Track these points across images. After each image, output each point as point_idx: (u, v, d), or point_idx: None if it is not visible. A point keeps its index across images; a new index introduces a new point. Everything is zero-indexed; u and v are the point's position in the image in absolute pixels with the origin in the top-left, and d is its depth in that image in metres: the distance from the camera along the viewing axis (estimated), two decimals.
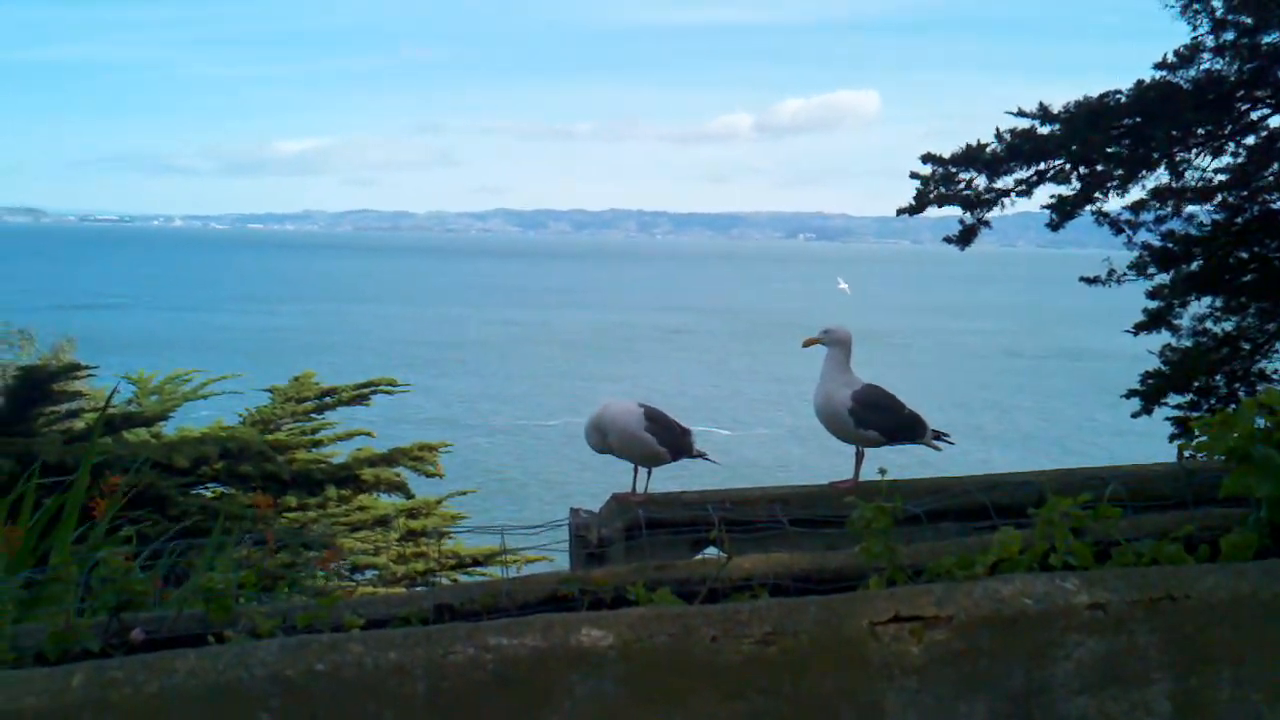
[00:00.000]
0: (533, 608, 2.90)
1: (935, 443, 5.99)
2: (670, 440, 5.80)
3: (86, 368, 22.34)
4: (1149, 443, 17.04)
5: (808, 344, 6.01)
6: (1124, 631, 2.65)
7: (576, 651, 2.49)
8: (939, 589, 2.65)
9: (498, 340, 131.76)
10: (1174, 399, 15.80)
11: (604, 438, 5.79)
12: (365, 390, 24.00)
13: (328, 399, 23.91)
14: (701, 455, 6.06)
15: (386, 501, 22.05)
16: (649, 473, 5.82)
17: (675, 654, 2.52)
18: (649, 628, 2.54)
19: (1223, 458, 2.99)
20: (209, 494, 20.57)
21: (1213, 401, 15.68)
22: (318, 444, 22.71)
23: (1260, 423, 2.97)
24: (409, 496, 21.34)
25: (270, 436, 21.85)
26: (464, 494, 24.10)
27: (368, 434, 23.63)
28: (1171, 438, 16.03)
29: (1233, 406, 11.40)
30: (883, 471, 3.49)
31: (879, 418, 5.71)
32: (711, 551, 4.96)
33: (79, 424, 20.97)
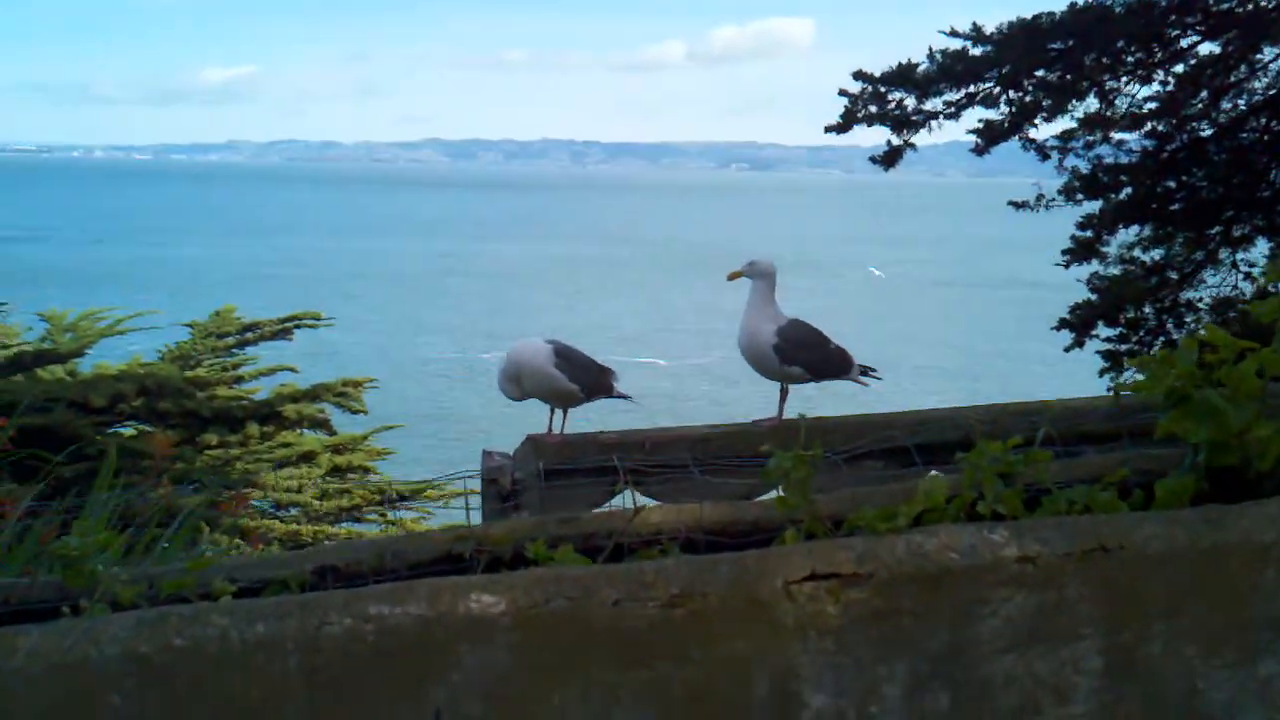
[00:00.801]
0: (424, 568, 2.68)
1: (862, 378, 5.82)
2: (585, 379, 5.56)
3: None
4: (1082, 369, 17.11)
5: (732, 277, 5.79)
6: (1054, 586, 2.48)
7: (466, 619, 2.28)
8: (859, 544, 2.46)
9: (428, 273, 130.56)
10: (1105, 332, 15.84)
11: (517, 382, 5.55)
12: (288, 325, 23.54)
13: (249, 334, 23.43)
14: (623, 396, 5.81)
15: (311, 437, 21.72)
16: (564, 413, 5.58)
17: (574, 620, 2.32)
18: (546, 591, 2.33)
19: (1161, 397, 2.82)
20: (127, 432, 20.15)
21: (1142, 334, 15.75)
22: (239, 380, 22.27)
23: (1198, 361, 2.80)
24: (332, 433, 21.02)
25: (190, 373, 21.38)
26: (389, 429, 23.78)
27: (291, 369, 23.23)
28: (1102, 371, 16.14)
29: (1161, 339, 11.43)
30: (801, 416, 3.27)
31: (804, 354, 5.52)
32: (630, 496, 4.77)
33: None
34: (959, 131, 15.40)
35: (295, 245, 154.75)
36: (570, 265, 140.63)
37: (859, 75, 15.08)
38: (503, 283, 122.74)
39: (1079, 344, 15.91)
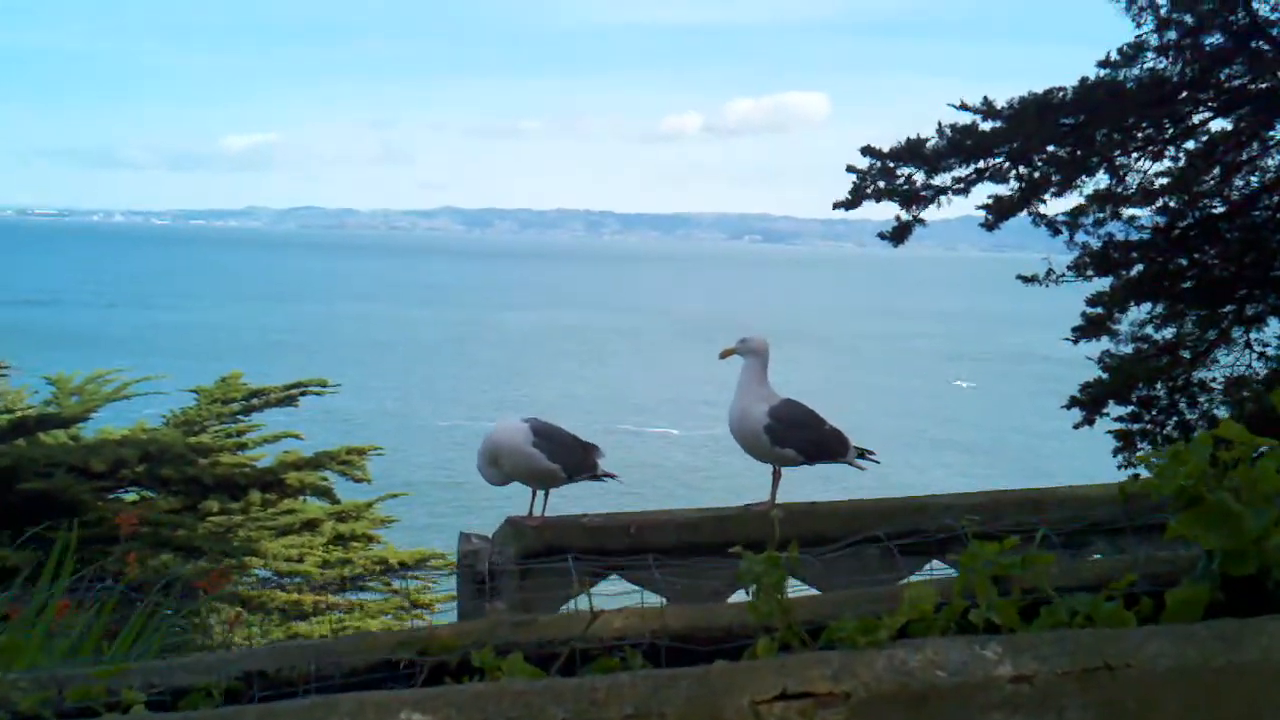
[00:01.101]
0: (362, 676, 2.44)
1: (859, 461, 5.56)
2: (567, 458, 5.30)
3: None
4: (1096, 444, 16.79)
5: (725, 355, 5.59)
6: (1052, 708, 2.23)
7: None
8: (836, 659, 2.22)
9: (442, 340, 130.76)
10: (1116, 410, 15.55)
11: (496, 464, 5.31)
12: (293, 391, 23.37)
13: (255, 400, 23.26)
14: (608, 475, 5.56)
15: (314, 505, 21.48)
16: (546, 494, 5.34)
17: None
18: (485, 710, 2.09)
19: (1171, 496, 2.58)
20: (129, 498, 19.93)
21: (1154, 413, 15.46)
22: (243, 446, 22.04)
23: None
24: (335, 502, 20.76)
25: (194, 439, 21.17)
26: (394, 496, 23.52)
27: (296, 436, 23.01)
28: (1115, 451, 15.82)
29: (1174, 419, 11.11)
30: (776, 509, 3.03)
31: (797, 435, 5.29)
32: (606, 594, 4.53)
33: None
34: (970, 206, 15.26)
35: (310, 312, 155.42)
36: (584, 334, 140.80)
37: (867, 150, 14.96)
38: (517, 351, 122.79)
39: (1089, 422, 15.63)
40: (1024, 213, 14.87)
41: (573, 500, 5.80)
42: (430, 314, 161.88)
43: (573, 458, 5.34)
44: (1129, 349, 15.19)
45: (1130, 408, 15.59)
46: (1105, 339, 15.29)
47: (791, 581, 3.12)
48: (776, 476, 5.39)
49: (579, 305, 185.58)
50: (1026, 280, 15.31)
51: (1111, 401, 15.31)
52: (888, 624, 2.31)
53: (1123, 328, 15.27)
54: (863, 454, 5.54)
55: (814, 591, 4.92)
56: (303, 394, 23.42)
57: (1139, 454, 14.61)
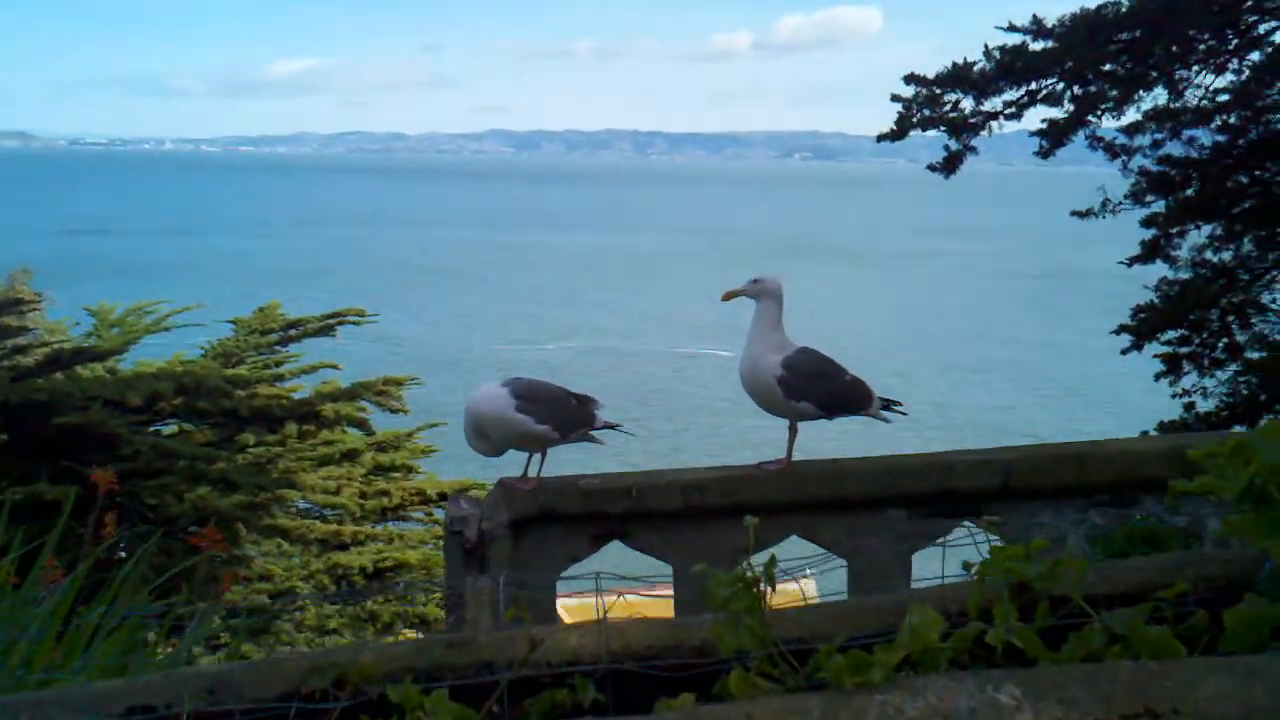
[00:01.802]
0: (267, 708, 2.07)
1: (883, 413, 5.09)
2: (559, 416, 4.85)
3: (29, 302, 21.45)
4: (1144, 365, 16.17)
5: (729, 297, 5.11)
6: None
7: None
8: (815, 707, 1.82)
9: (493, 263, 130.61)
10: (1166, 333, 14.94)
11: (484, 436, 4.89)
12: (331, 321, 23.19)
13: (292, 331, 23.13)
14: (610, 426, 5.10)
15: (353, 435, 21.36)
16: (543, 455, 4.93)
17: None
18: None
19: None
20: (167, 430, 19.89)
21: (1205, 336, 14.84)
22: (280, 378, 21.93)
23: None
24: (370, 433, 20.61)
25: (231, 371, 21.04)
26: (433, 426, 23.32)
27: (333, 366, 22.85)
28: (1158, 375, 15.25)
29: (1224, 342, 10.54)
30: (748, 519, 2.61)
31: (814, 387, 4.83)
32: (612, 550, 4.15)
33: (28, 360, 20.17)
34: (1019, 125, 14.53)
35: (357, 236, 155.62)
36: (634, 257, 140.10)
37: (911, 79, 14.24)
38: (566, 275, 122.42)
39: (1137, 347, 15.02)
40: (1079, 135, 14.14)
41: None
42: (477, 237, 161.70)
43: (564, 416, 4.89)
44: (1188, 274, 14.51)
45: (1180, 331, 14.97)
46: (1163, 265, 14.62)
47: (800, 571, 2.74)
48: (793, 432, 4.95)
49: (627, 227, 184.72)
50: (1082, 215, 14.62)
51: (1164, 329, 14.71)
52: (882, 660, 1.90)
53: (1181, 253, 14.58)
54: (888, 405, 5.06)
55: (836, 561, 4.55)
56: (340, 324, 23.24)
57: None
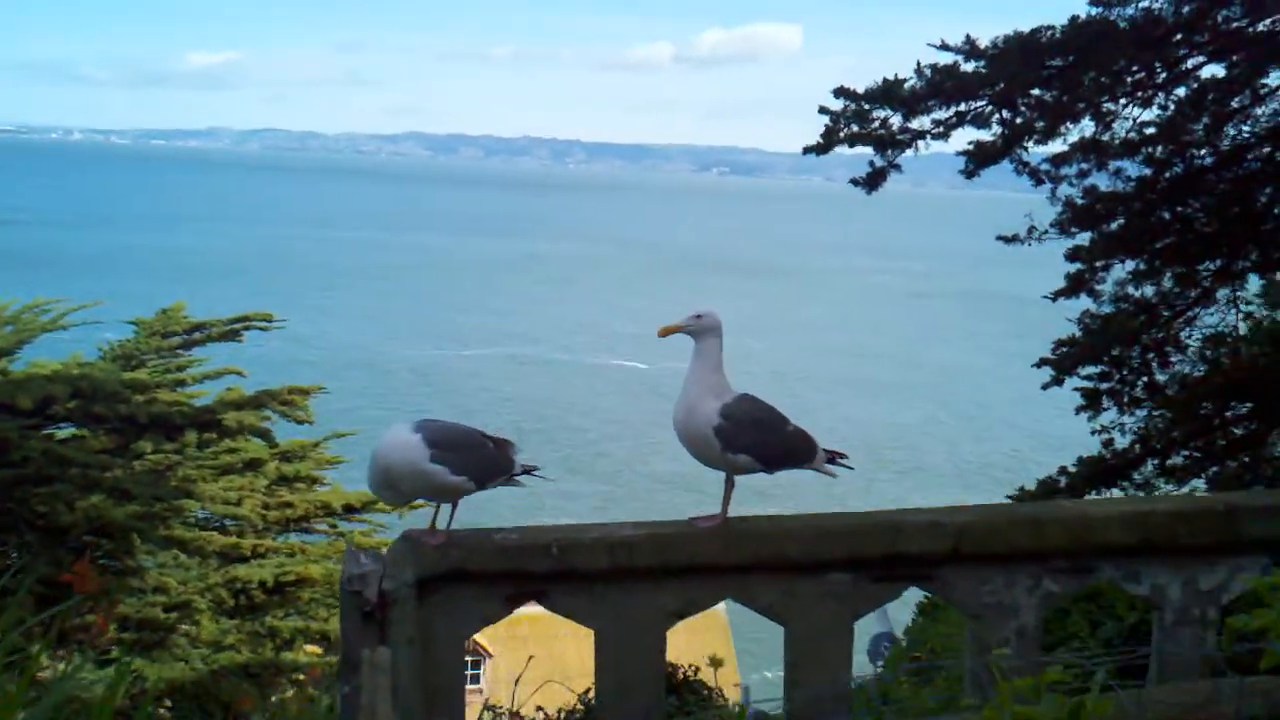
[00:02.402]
0: None
1: (828, 467, 4.72)
2: (476, 465, 4.40)
3: None
4: (1061, 397, 16.13)
5: (666, 333, 4.70)
6: None
7: None
8: None
9: (405, 266, 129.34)
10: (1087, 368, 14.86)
11: (392, 486, 4.43)
12: (237, 326, 22.41)
13: (196, 334, 22.31)
14: (528, 470, 4.66)
15: (256, 444, 20.62)
16: (453, 506, 4.48)
17: None
18: None
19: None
20: (61, 434, 19.05)
21: (1124, 373, 14.80)
22: (182, 383, 21.11)
23: None
24: (273, 444, 19.93)
25: (131, 374, 20.21)
26: (340, 436, 22.67)
27: (238, 373, 22.08)
28: (1078, 409, 15.17)
29: (1143, 380, 10.38)
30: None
31: (754, 438, 4.44)
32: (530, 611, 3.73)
33: None
34: (945, 145, 14.33)
35: (271, 235, 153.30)
36: (551, 264, 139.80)
37: (841, 92, 13.99)
38: (482, 279, 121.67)
39: (1058, 382, 14.90)
40: (1005, 160, 13.99)
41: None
42: (393, 239, 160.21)
43: (482, 464, 4.44)
44: (1110, 309, 14.43)
45: (1101, 367, 14.91)
46: (1086, 298, 14.53)
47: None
48: (729, 486, 4.57)
49: (545, 234, 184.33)
50: (1007, 241, 14.47)
51: (1085, 364, 14.62)
52: None
53: (1106, 287, 14.49)
54: (833, 458, 4.71)
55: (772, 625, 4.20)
56: (246, 328, 22.48)
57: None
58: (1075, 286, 14.63)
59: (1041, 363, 14.80)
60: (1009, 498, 14.30)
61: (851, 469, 4.66)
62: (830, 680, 4.17)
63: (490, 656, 37.49)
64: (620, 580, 4.13)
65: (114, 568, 18.16)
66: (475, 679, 34.19)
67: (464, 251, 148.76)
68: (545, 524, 4.66)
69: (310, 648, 19.96)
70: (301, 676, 19.45)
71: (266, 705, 18.77)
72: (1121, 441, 14.98)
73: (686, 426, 4.45)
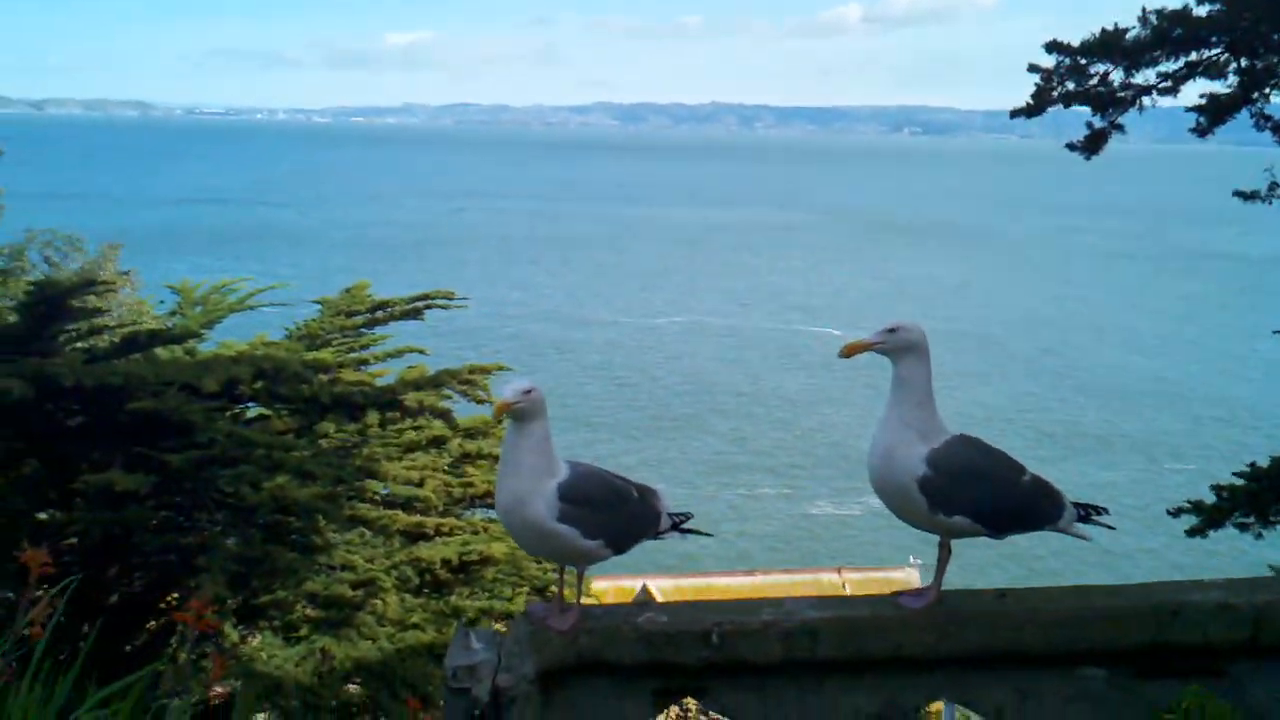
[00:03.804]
0: None
1: (1080, 529, 3.65)
2: (613, 524, 3.58)
3: (108, 281, 20.74)
4: None
5: (851, 351, 3.68)
6: None
7: None
8: None
9: (601, 236, 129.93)
10: None
11: (520, 540, 3.61)
12: (419, 304, 22.14)
13: (379, 313, 22.14)
14: (678, 528, 3.73)
15: (439, 424, 20.34)
16: (580, 574, 3.58)
17: None
18: None
19: None
20: (250, 413, 19.12)
21: None
22: (364, 362, 20.97)
23: None
24: (453, 425, 19.56)
25: (314, 355, 20.11)
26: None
27: (420, 351, 21.83)
28: None
29: None
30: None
31: (974, 494, 3.43)
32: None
33: (104, 341, 19.50)
34: (1173, 100, 12.81)
35: (464, 208, 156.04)
36: (742, 232, 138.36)
37: (1054, 46, 12.62)
38: (675, 249, 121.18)
39: None
40: (1244, 112, 12.39)
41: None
42: (587, 209, 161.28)
43: (623, 524, 3.57)
44: None
45: None
46: None
47: None
48: (944, 554, 3.56)
49: (736, 201, 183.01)
50: (1245, 197, 12.89)
51: None
52: None
53: None
54: (1087, 515, 3.63)
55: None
56: (428, 307, 22.19)
57: None
58: None
59: None
60: (1236, 474, 12.91)
61: (1112, 528, 3.58)
62: None
63: None
64: (801, 675, 3.21)
65: (301, 544, 18.14)
66: None
67: (655, 221, 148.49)
68: (702, 589, 3.74)
69: (497, 625, 19.66)
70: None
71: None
72: None
73: (883, 478, 3.46)
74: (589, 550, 3.52)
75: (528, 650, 3.16)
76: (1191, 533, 12.19)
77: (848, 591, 38.32)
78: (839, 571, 40.30)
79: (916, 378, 3.50)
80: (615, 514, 3.59)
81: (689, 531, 3.77)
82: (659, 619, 3.30)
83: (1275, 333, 13.42)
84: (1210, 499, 12.62)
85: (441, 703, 14.67)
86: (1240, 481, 12.61)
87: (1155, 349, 75.67)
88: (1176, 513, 12.64)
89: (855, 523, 47.67)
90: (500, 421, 3.40)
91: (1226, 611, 3.28)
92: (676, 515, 3.75)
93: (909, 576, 41.20)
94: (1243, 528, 12.44)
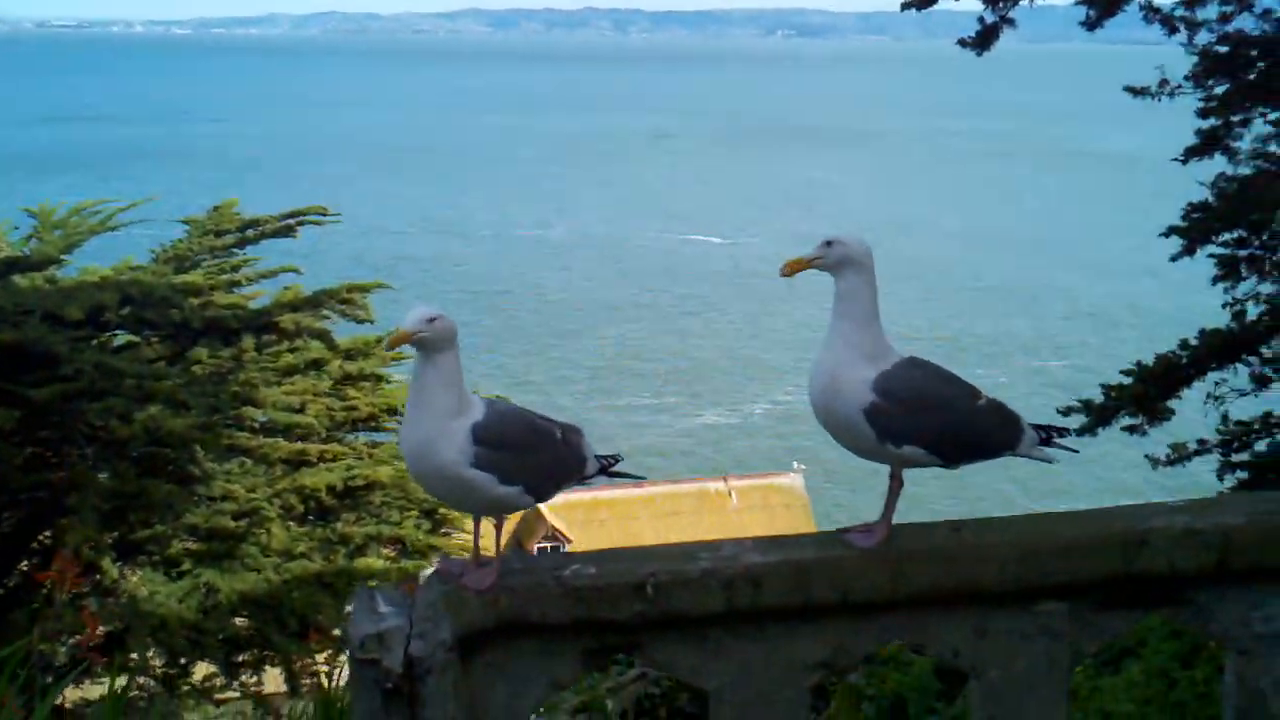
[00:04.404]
0: None
1: (1042, 451, 3.40)
2: (531, 469, 3.23)
3: None
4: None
5: (792, 269, 3.25)
6: None
7: None
8: None
9: (476, 146, 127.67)
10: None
11: (427, 487, 3.24)
12: (291, 221, 21.28)
13: (249, 231, 21.23)
14: (607, 471, 3.41)
15: (319, 345, 19.65)
16: (500, 524, 3.23)
17: None
18: None
19: None
20: (118, 341, 18.25)
21: (1265, 237, 13.20)
22: (236, 284, 20.11)
23: None
24: (332, 346, 18.92)
25: (183, 277, 19.20)
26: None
27: (294, 271, 21.06)
28: (1215, 279, 13.63)
29: None
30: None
31: (925, 422, 3.19)
32: None
33: None
34: None
35: (335, 119, 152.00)
36: (619, 139, 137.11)
37: None
38: (548, 158, 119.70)
39: (1189, 252, 13.36)
40: (1132, 3, 12.29)
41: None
42: (458, 120, 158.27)
43: (541, 468, 3.23)
44: (1249, 170, 12.79)
45: (1238, 233, 13.30)
46: (1221, 157, 12.89)
47: None
48: (896, 485, 3.28)
49: (612, 107, 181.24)
50: (1135, 93, 12.83)
51: (1220, 231, 13.02)
52: None
53: (1243, 144, 12.83)
54: (1049, 438, 3.39)
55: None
56: (301, 224, 21.34)
57: None
58: (1209, 144, 13.01)
59: (1170, 231, 13.23)
60: (1123, 373, 13.06)
61: (1075, 451, 3.32)
62: None
63: (569, 541, 36.87)
64: (741, 625, 2.92)
65: (178, 476, 17.49)
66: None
67: (532, 130, 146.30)
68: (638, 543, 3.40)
69: (385, 551, 19.27)
70: (374, 583, 18.81)
71: (341, 614, 18.22)
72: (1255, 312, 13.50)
73: (827, 407, 3.15)
74: (507, 498, 3.16)
75: (442, 614, 2.80)
76: (1081, 431, 12.28)
77: (734, 500, 38.84)
78: (725, 480, 40.71)
79: (859, 295, 3.16)
80: (536, 457, 3.23)
81: (618, 474, 3.44)
82: (587, 571, 2.97)
83: (1162, 234, 13.42)
84: (1099, 399, 12.74)
85: (335, 632, 14.22)
86: (1128, 380, 12.73)
87: (1032, 249, 77.17)
88: (1066, 411, 12.73)
89: (740, 431, 48.11)
90: (393, 350, 3.02)
91: (1193, 537, 3.06)
92: (605, 457, 3.40)
93: (794, 482, 41.83)
94: (1131, 430, 12.63)
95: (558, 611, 2.87)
